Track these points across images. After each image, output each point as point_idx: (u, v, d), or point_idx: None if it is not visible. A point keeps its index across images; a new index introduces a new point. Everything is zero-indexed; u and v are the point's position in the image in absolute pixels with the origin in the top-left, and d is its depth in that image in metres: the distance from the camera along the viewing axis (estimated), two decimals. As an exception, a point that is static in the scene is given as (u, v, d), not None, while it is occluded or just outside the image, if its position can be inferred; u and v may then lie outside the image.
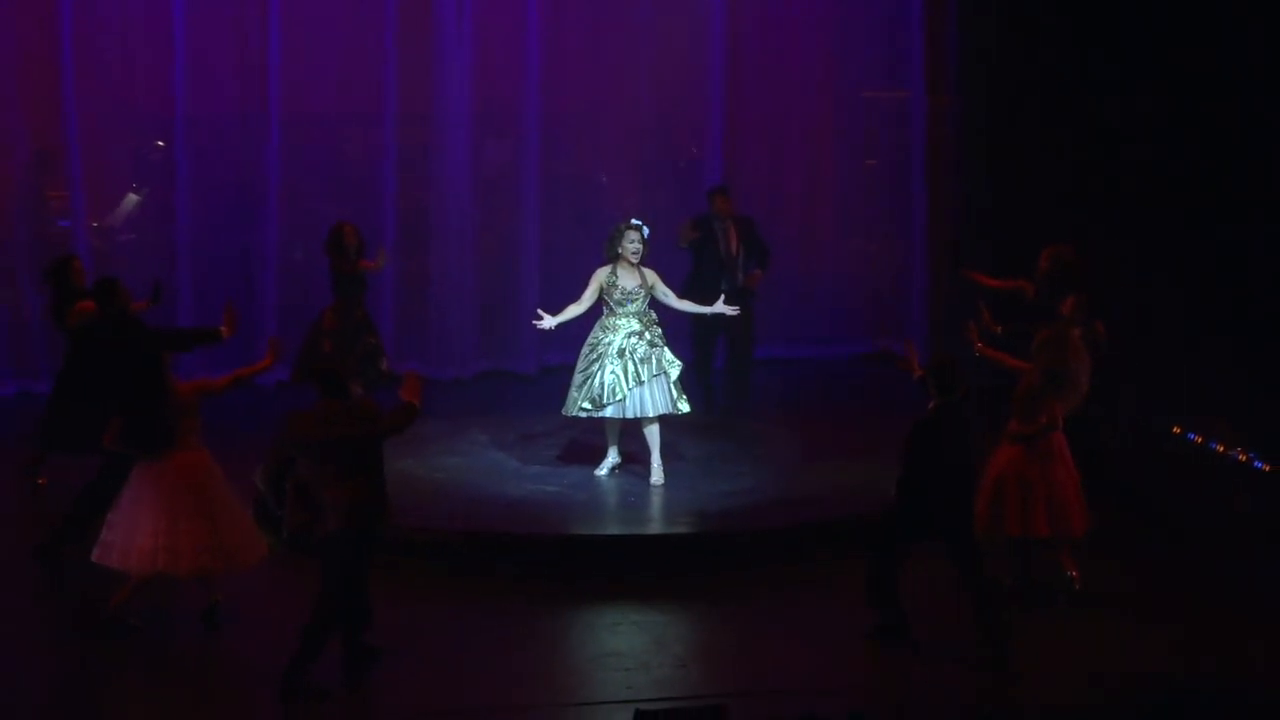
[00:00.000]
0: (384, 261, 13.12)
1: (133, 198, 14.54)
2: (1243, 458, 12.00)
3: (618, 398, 10.68)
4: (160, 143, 14.42)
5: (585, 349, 10.84)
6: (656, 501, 10.71)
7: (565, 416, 11.01)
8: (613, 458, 11.13)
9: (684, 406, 10.93)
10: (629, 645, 9.10)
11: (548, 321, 10.88)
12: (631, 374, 10.68)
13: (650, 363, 10.73)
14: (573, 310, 10.88)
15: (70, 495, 10.09)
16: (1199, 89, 12.74)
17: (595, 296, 10.84)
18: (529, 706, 8.24)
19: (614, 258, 10.81)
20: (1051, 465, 9.48)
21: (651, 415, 10.76)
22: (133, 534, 8.91)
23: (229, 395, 9.46)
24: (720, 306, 11.06)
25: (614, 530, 10.36)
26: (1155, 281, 12.92)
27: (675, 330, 12.19)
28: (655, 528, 10.39)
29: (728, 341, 13.54)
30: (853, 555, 9.36)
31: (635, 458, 11.09)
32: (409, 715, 8.16)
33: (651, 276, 10.87)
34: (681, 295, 11.38)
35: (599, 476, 11.10)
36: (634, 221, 10.87)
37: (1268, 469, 11.80)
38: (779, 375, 14.38)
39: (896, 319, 15.44)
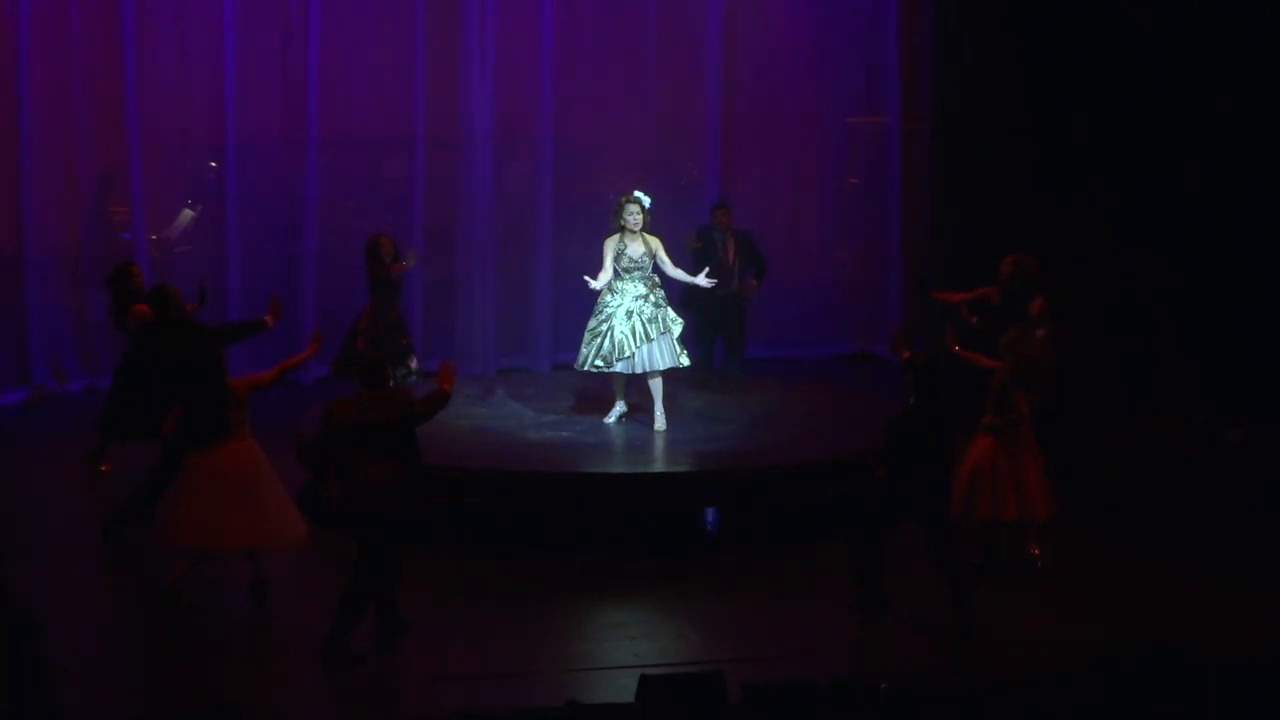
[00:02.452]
0: (414, 260, 13.10)
1: (188, 213, 14.54)
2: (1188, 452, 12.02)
3: (626, 355, 10.74)
4: (213, 164, 14.44)
5: (595, 309, 10.89)
6: (660, 444, 10.79)
7: (578, 371, 11.13)
8: (620, 407, 11.20)
9: (685, 360, 11.02)
10: (634, 616, 9.12)
11: (598, 283, 10.82)
12: (640, 333, 10.73)
13: (657, 322, 10.77)
14: (604, 278, 10.85)
15: (131, 481, 10.10)
16: (1164, 108, 12.78)
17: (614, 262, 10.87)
18: (543, 671, 8.25)
19: (619, 229, 10.82)
20: (1020, 454, 9.48)
21: (658, 370, 10.80)
22: (187, 514, 8.94)
23: (275, 389, 9.49)
24: (702, 280, 10.99)
25: (621, 469, 10.43)
26: (1121, 290, 12.95)
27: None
28: (659, 467, 10.47)
29: (725, 343, 13.62)
30: (837, 533, 9.37)
31: (640, 407, 11.15)
32: (433, 679, 8.18)
33: (655, 243, 10.89)
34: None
35: (608, 424, 11.16)
36: (634, 194, 10.88)
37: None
38: (768, 373, 14.37)
39: (875, 323, 15.49)
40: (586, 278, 10.88)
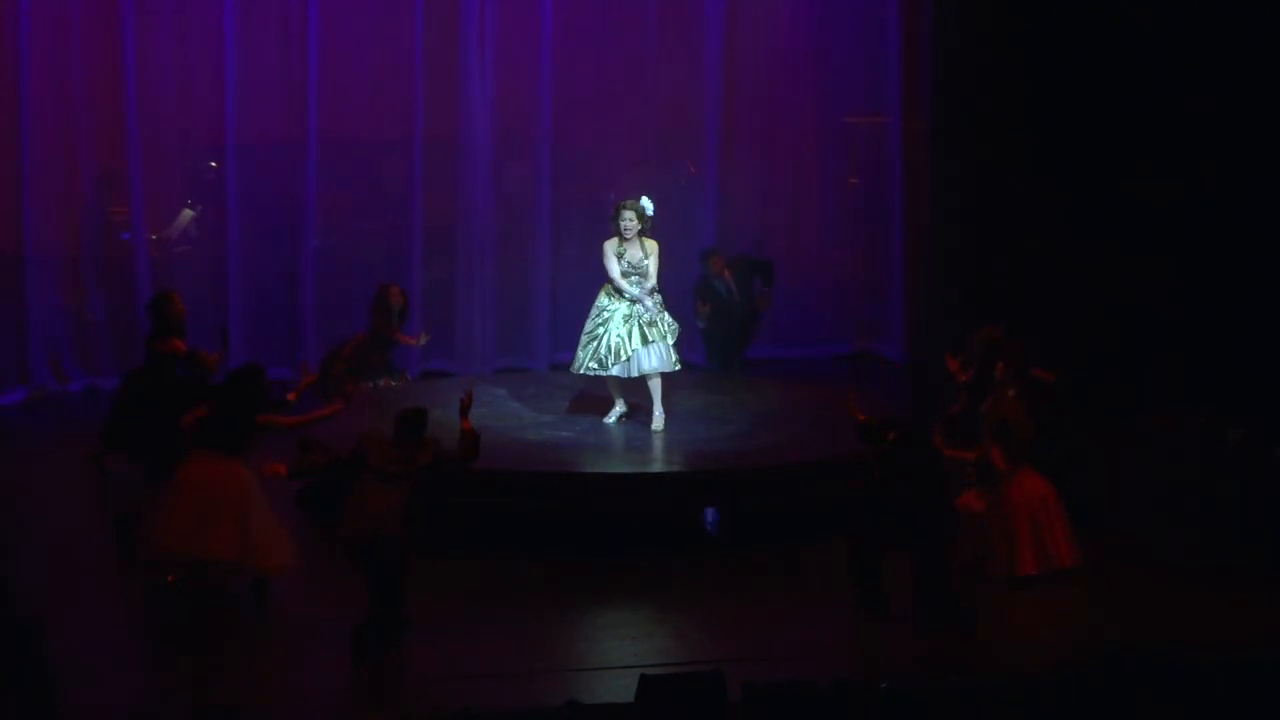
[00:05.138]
0: (424, 341, 13.02)
1: (188, 213, 14.55)
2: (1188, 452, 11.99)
3: (623, 359, 10.74)
4: (213, 164, 14.45)
5: (593, 311, 10.89)
6: (660, 444, 10.79)
7: (577, 374, 11.12)
8: (619, 408, 11.19)
9: (678, 365, 11.01)
10: (633, 615, 9.13)
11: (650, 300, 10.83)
12: (637, 336, 10.74)
13: (657, 325, 10.79)
14: (626, 286, 10.80)
15: (133, 480, 10.11)
16: (1165, 108, 12.79)
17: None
18: (543, 671, 8.26)
19: (617, 232, 10.81)
20: (1032, 506, 9.42)
21: (653, 372, 10.81)
22: (172, 521, 8.94)
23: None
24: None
25: (621, 469, 10.43)
26: (1121, 289, 12.95)
27: (692, 340, 12.64)
28: (659, 467, 10.48)
29: (731, 349, 13.74)
30: (837, 533, 9.36)
31: (640, 407, 11.13)
32: (435, 679, 8.18)
33: (652, 249, 10.85)
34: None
35: (607, 424, 11.15)
36: (632, 202, 10.84)
37: None
38: (768, 373, 14.38)
39: (875, 323, 15.52)
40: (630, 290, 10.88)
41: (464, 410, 8.64)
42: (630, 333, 10.75)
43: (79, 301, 14.02)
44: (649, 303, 10.87)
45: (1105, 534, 10.30)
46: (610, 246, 10.86)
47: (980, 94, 13.56)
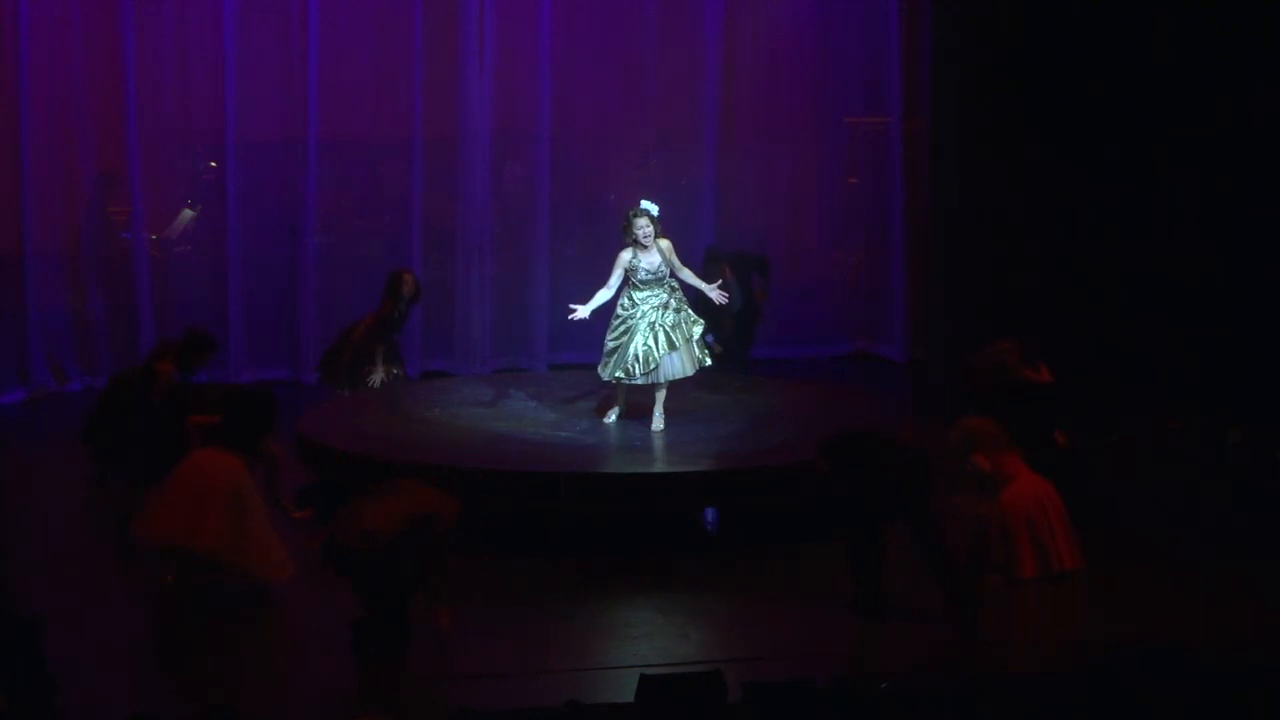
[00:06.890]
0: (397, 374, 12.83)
1: (188, 213, 14.56)
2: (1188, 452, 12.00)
3: (651, 367, 10.69)
4: (213, 164, 14.47)
5: (614, 320, 10.82)
6: (660, 444, 10.77)
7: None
8: (619, 408, 11.16)
9: (708, 361, 10.98)
10: (634, 615, 9.11)
11: (582, 311, 10.81)
12: (664, 341, 10.68)
13: (681, 328, 10.74)
14: (603, 295, 10.80)
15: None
16: (1165, 107, 12.80)
17: (621, 279, 10.79)
18: (544, 671, 8.26)
19: (631, 242, 10.77)
20: (1041, 501, 9.40)
21: (680, 378, 10.79)
22: (165, 510, 8.94)
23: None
24: (715, 293, 10.94)
25: (621, 469, 10.40)
26: (1122, 289, 12.97)
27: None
28: (659, 467, 10.45)
29: (733, 349, 13.77)
30: (837, 533, 9.36)
31: (640, 407, 11.10)
32: (436, 679, 8.18)
33: (666, 247, 10.79)
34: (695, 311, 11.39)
35: (607, 424, 11.12)
36: (642, 206, 10.79)
37: None
38: (768, 373, 14.41)
39: (875, 323, 15.53)
40: (572, 305, 10.85)
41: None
42: (657, 339, 10.70)
43: (79, 301, 14.04)
44: (715, 294, 10.86)
45: (1106, 534, 10.30)
46: (623, 257, 10.75)
47: (980, 94, 13.57)
